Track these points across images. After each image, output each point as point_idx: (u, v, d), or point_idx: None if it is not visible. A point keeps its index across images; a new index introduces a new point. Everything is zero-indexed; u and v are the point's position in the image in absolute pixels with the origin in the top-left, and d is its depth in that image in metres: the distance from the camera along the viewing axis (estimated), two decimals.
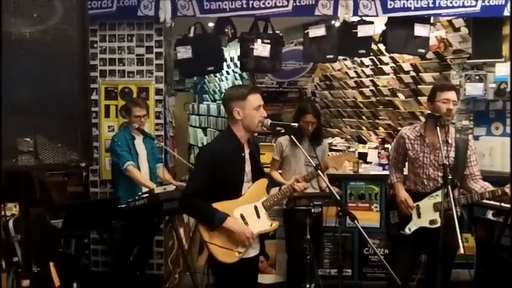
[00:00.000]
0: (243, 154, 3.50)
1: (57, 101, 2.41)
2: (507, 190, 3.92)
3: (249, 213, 3.49)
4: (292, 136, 3.70)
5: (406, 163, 4.51)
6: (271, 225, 3.59)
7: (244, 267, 3.50)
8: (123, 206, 4.68)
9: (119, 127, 5.67)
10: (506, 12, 5.25)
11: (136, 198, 4.63)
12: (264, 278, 5.45)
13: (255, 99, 3.45)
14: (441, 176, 4.02)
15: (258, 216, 3.53)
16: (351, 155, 4.07)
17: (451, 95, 4.10)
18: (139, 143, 5.26)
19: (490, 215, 5.11)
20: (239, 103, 3.43)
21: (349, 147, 8.18)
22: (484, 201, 4.79)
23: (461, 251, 3.53)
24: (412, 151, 4.32)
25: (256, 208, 3.53)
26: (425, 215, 4.22)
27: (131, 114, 5.20)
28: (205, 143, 11.21)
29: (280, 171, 5.15)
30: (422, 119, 4.94)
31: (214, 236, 3.39)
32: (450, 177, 3.88)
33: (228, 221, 3.37)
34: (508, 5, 5.24)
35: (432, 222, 4.16)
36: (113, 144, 5.16)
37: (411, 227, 4.25)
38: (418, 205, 4.26)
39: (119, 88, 5.72)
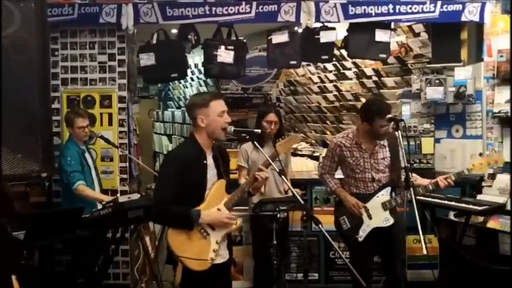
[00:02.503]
0: (205, 161, 3.48)
1: (17, 111, 2.36)
2: (440, 183, 4.26)
3: None
4: (255, 142, 3.71)
5: (339, 169, 4.65)
6: (236, 223, 3.58)
7: (216, 276, 3.49)
8: (87, 215, 4.61)
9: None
10: (464, 18, 5.39)
11: (100, 207, 4.57)
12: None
13: (218, 105, 3.44)
14: (384, 176, 4.37)
15: None
16: (295, 137, 4.20)
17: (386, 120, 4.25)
18: (88, 155, 5.18)
19: (451, 215, 5.22)
20: (202, 110, 3.42)
21: (313, 152, 8.24)
22: (445, 202, 4.96)
23: (424, 251, 3.61)
24: (351, 158, 4.44)
25: (219, 211, 3.52)
26: (376, 215, 4.35)
27: (74, 126, 5.03)
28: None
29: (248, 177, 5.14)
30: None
31: (185, 249, 3.37)
32: (388, 175, 4.33)
33: (203, 214, 3.37)
34: (487, 8, 5.38)
35: (385, 220, 4.34)
36: (64, 161, 4.89)
37: (365, 230, 4.35)
38: (366, 207, 4.36)
39: (81, 96, 5.63)
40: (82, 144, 5.15)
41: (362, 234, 4.34)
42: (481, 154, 5.39)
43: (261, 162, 5.06)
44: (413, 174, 4.31)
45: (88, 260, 4.98)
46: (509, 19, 5.15)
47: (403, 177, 4.24)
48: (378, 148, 4.39)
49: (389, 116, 4.17)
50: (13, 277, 3.52)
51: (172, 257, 3.44)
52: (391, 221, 4.32)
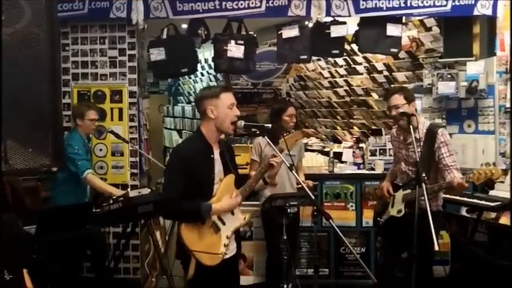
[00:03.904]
0: (212, 156, 3.48)
1: (27, 105, 2.36)
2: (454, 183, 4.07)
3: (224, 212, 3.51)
4: (266, 137, 3.69)
5: None
6: (244, 218, 3.65)
7: (225, 270, 3.50)
8: (98, 210, 4.62)
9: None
10: (476, 12, 5.32)
11: (111, 202, 4.58)
12: (241, 280, 5.44)
13: (228, 98, 3.45)
14: (412, 170, 4.32)
15: (233, 213, 3.56)
16: (297, 134, 4.22)
17: (393, 100, 4.31)
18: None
19: (463, 211, 5.19)
20: (212, 101, 3.43)
21: (324, 147, 8.23)
22: (457, 197, 4.91)
23: (436, 247, 3.57)
24: (393, 148, 4.69)
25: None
26: (396, 205, 4.46)
27: (85, 118, 5.13)
28: None
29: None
30: None
31: (198, 244, 3.37)
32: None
33: (214, 207, 3.39)
34: (500, 1, 5.30)
35: (399, 211, 4.40)
36: (71, 150, 4.92)
37: (385, 216, 4.56)
38: (394, 196, 4.50)
39: (92, 91, 5.64)
40: (85, 138, 5.20)
41: (383, 218, 4.57)
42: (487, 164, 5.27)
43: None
44: (455, 174, 4.20)
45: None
46: None
47: (446, 175, 4.26)
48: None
49: (402, 111, 4.18)
50: (24, 270, 3.54)
51: (182, 251, 3.44)
52: (402, 212, 4.36)
